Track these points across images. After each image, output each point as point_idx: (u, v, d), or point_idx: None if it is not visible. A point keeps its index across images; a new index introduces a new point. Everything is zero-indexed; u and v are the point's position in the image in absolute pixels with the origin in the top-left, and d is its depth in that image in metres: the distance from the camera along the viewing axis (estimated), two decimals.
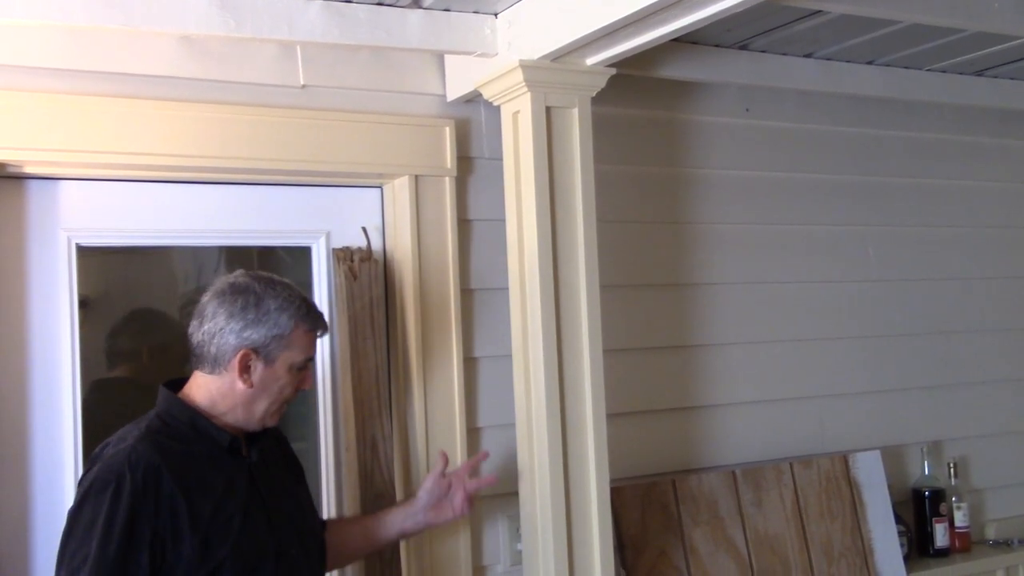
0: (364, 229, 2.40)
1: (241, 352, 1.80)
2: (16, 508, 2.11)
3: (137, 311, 2.48)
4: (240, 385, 1.81)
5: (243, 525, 1.78)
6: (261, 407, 1.84)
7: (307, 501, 2.04)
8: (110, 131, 2.12)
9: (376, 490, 2.30)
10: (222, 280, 1.86)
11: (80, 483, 1.76)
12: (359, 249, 2.40)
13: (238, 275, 1.86)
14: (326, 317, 1.96)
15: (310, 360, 1.89)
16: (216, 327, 1.80)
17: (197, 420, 1.81)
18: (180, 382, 1.88)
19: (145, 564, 1.67)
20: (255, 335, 1.80)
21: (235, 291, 1.82)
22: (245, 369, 1.80)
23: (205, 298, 1.85)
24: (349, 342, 2.34)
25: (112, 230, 2.24)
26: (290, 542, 1.88)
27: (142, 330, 2.46)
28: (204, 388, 1.84)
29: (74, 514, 1.70)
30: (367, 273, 2.37)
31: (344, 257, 2.36)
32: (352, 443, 2.32)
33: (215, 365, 1.82)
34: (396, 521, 2.13)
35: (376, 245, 2.44)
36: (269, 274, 1.89)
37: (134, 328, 2.44)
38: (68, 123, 2.08)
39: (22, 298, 2.14)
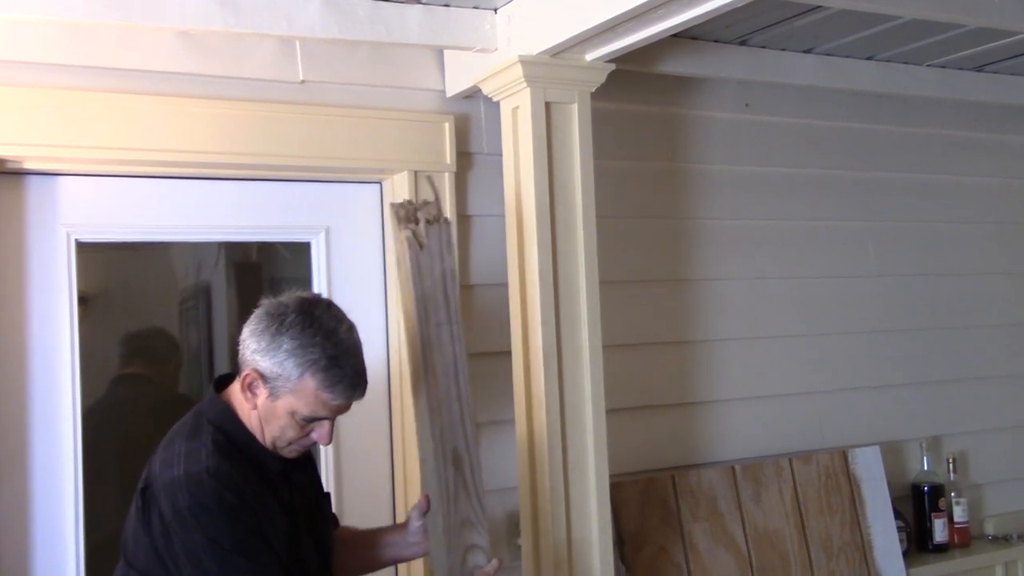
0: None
1: (248, 371, 1.73)
2: (16, 506, 2.11)
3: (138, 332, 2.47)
4: (245, 403, 1.76)
5: (299, 545, 1.77)
6: (269, 435, 1.76)
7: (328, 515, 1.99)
8: (109, 127, 2.12)
9: (462, 516, 1.86)
10: (286, 296, 1.76)
11: (154, 509, 1.67)
12: (425, 204, 1.84)
13: (291, 297, 1.75)
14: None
15: (320, 419, 1.75)
16: (243, 336, 1.75)
17: (252, 444, 1.75)
18: (228, 379, 1.83)
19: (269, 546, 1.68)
20: (263, 363, 1.71)
21: (270, 312, 1.73)
22: (248, 388, 1.74)
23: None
24: (419, 330, 1.85)
25: (111, 226, 2.24)
26: (328, 564, 1.87)
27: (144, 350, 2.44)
28: (238, 402, 1.77)
29: (184, 541, 1.64)
30: (436, 238, 1.82)
31: (406, 216, 1.80)
32: (429, 457, 1.88)
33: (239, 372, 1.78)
34: (394, 545, 2.02)
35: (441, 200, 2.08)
36: (322, 312, 1.73)
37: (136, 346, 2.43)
38: (67, 119, 2.08)
39: (22, 294, 2.14)
